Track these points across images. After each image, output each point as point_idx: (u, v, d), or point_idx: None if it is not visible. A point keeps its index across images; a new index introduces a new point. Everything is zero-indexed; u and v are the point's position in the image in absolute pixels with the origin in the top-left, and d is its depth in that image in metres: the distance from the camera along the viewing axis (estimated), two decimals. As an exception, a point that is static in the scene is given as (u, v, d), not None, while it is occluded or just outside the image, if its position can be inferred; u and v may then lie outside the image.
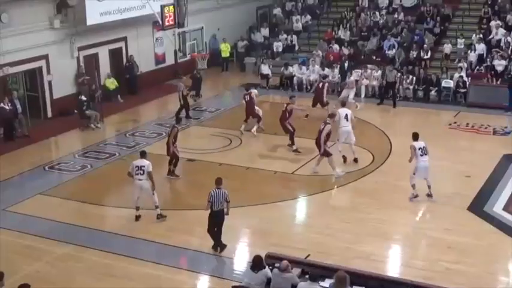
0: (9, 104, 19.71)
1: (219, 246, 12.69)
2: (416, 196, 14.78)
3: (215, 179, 12.62)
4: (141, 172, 13.71)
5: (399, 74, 23.68)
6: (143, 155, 14.21)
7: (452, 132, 20.18)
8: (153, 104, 24.57)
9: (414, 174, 14.72)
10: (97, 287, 11.67)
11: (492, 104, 22.20)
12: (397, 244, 13.17)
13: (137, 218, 14.07)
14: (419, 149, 14.55)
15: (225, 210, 12.51)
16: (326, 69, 25.32)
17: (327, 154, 16.33)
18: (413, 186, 14.78)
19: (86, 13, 21.90)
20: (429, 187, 14.82)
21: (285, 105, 18.67)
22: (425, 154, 14.60)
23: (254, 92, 20.80)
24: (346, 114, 17.16)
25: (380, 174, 16.59)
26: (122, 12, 23.49)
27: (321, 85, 21.72)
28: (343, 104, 18.07)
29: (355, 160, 17.27)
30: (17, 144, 19.61)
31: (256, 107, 20.15)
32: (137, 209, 14.05)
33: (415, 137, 14.83)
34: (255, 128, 19.77)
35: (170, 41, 25.50)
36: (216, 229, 12.62)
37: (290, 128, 18.34)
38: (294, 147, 18.28)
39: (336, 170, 16.35)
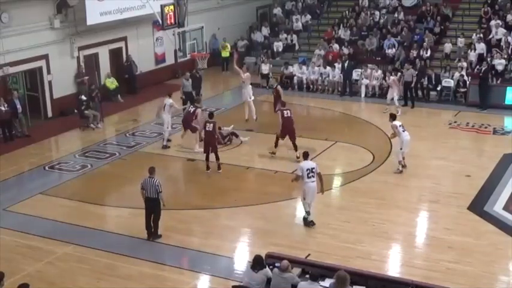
0: (6, 105, 19.64)
1: (153, 234, 13.18)
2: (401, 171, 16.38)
3: (148, 168, 13.16)
4: (313, 174, 13.27)
5: (416, 73, 23.27)
6: (307, 155, 13.67)
7: (452, 132, 20.17)
8: (153, 104, 24.46)
9: (401, 149, 16.37)
10: (97, 287, 11.67)
11: (492, 104, 22.24)
12: (398, 244, 13.15)
13: (312, 223, 13.63)
14: (400, 126, 16.33)
15: (160, 201, 13.00)
16: (328, 67, 25.42)
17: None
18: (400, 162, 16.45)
19: (86, 13, 21.96)
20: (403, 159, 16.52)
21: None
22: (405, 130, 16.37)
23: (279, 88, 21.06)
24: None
25: (380, 173, 16.58)
26: (122, 12, 23.53)
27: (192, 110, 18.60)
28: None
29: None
30: (17, 144, 19.63)
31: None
32: (308, 213, 13.69)
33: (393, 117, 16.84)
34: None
35: (170, 41, 25.44)
36: (152, 217, 13.14)
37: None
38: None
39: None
